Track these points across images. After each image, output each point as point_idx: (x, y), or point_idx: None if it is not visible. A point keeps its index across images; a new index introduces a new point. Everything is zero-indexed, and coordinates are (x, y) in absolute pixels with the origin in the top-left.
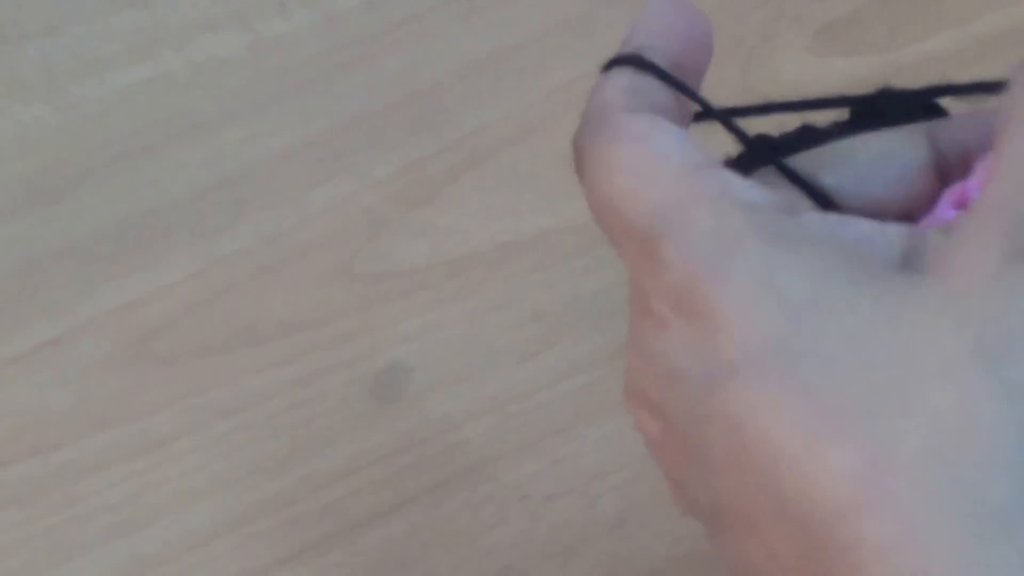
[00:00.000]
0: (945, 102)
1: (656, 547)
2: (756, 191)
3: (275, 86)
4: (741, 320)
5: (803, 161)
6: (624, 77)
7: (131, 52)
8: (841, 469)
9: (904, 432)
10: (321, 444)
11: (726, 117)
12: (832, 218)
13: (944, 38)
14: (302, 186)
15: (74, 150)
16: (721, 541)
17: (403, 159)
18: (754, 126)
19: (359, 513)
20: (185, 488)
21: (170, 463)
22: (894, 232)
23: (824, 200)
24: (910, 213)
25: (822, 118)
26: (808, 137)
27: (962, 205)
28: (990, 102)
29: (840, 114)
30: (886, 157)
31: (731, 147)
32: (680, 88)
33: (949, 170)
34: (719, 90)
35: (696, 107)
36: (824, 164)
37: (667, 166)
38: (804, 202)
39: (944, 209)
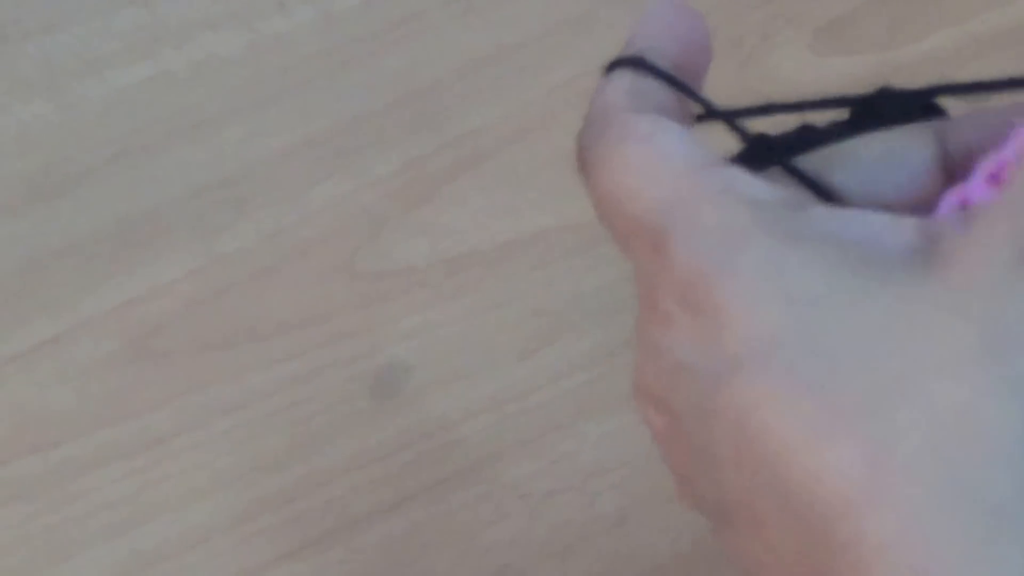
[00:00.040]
0: (945, 101)
1: (656, 545)
2: (763, 187)
3: (275, 85)
4: (747, 315)
5: (809, 161)
6: (626, 78)
7: (131, 51)
8: (843, 465)
9: (906, 429)
10: (321, 442)
11: (729, 117)
12: (840, 213)
13: (943, 37)
14: (302, 184)
15: (74, 148)
16: (725, 536)
17: (403, 158)
18: (753, 126)
19: (359, 511)
20: (185, 485)
21: (170, 460)
22: (907, 224)
23: (831, 199)
24: (916, 211)
25: (821, 118)
26: (808, 137)
27: (964, 207)
28: (991, 101)
29: (840, 114)
30: (892, 156)
31: (733, 148)
32: (682, 89)
33: (956, 169)
34: (718, 89)
35: (697, 108)
36: (830, 164)
37: (673, 164)
38: (811, 199)
39: (945, 210)
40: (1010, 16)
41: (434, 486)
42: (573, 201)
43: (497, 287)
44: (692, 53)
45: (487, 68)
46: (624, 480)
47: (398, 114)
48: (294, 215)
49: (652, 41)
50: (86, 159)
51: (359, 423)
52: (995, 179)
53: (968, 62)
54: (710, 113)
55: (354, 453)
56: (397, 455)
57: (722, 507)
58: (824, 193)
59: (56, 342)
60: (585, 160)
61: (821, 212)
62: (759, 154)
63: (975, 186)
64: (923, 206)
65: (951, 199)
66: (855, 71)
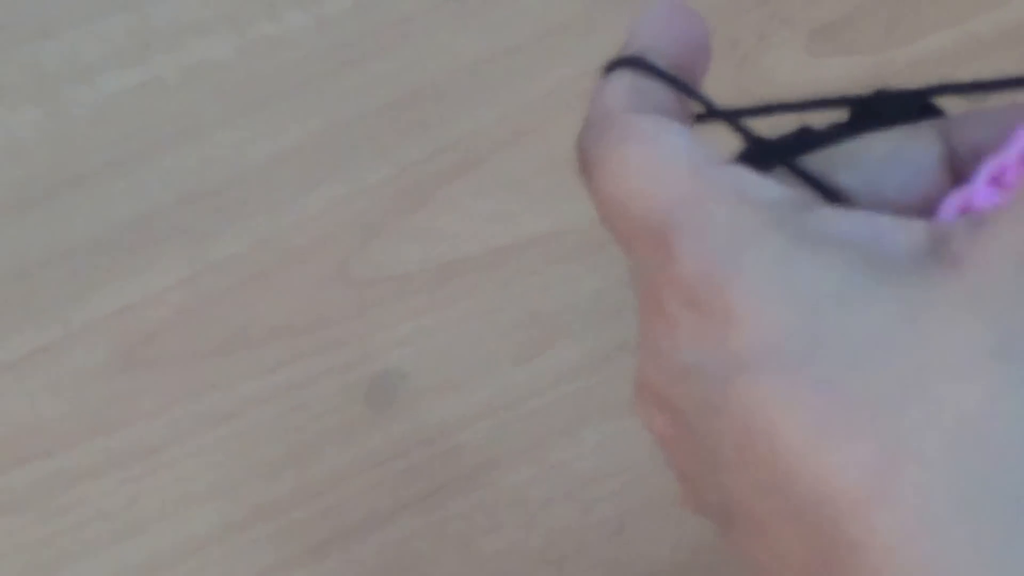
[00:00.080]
0: (946, 101)
1: (654, 552)
2: (770, 187)
3: (266, 89)
4: (755, 314)
5: (813, 161)
6: (626, 79)
7: (122, 56)
8: (854, 465)
9: (919, 428)
10: (316, 450)
11: (730, 117)
12: (848, 213)
13: (939, 38)
14: (295, 190)
15: (65, 155)
16: (731, 538)
17: (396, 163)
18: (753, 126)
19: (354, 519)
20: (179, 495)
21: (164, 470)
22: (916, 227)
23: (837, 199)
24: (922, 212)
25: (821, 120)
26: (808, 139)
27: (967, 210)
28: (992, 100)
29: (839, 115)
30: (898, 156)
31: (733, 148)
32: (683, 88)
33: (961, 167)
34: (714, 90)
35: (697, 108)
36: (834, 163)
37: (677, 164)
38: (817, 200)
39: (947, 214)
40: (1007, 17)
41: (430, 494)
42: (569, 206)
43: (492, 293)
44: (691, 53)
45: (481, 72)
46: (622, 487)
47: (391, 119)
48: (287, 221)
49: (651, 41)
50: (76, 166)
51: (354, 431)
52: (998, 181)
53: (965, 63)
54: (710, 113)
55: (349, 461)
56: (392, 463)
57: (727, 508)
58: (829, 193)
59: (47, 351)
60: (586, 161)
61: (829, 212)
62: (761, 154)
63: (978, 189)
64: (928, 205)
65: (953, 202)
66: (851, 72)
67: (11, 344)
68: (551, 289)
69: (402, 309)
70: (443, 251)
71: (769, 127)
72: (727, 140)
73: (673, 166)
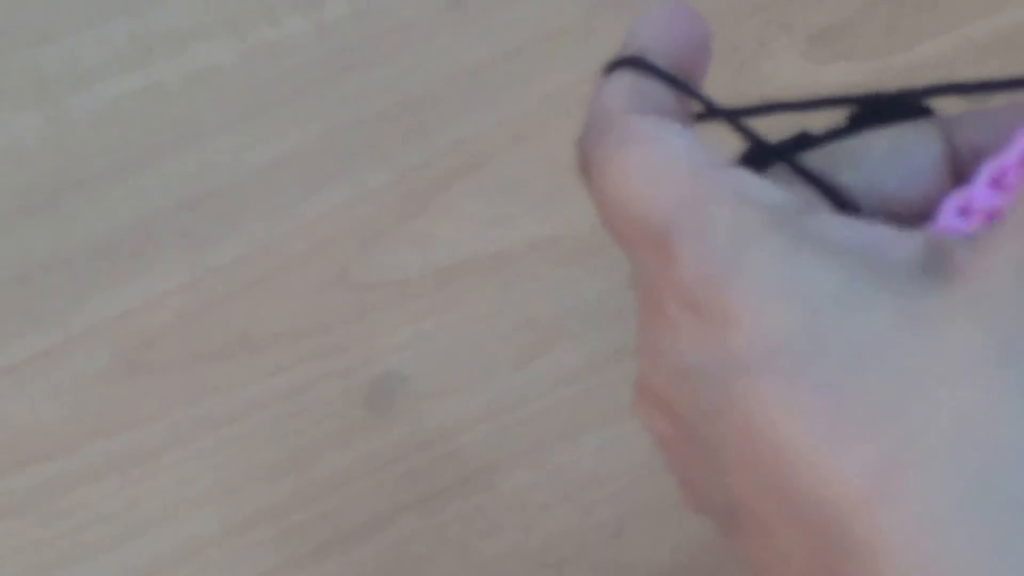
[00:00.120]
0: (947, 102)
1: (653, 556)
2: (771, 190)
3: (267, 95)
4: (756, 317)
5: (815, 159)
6: (626, 79)
7: (123, 61)
8: (857, 466)
9: (922, 430)
10: (315, 453)
11: (730, 116)
12: (849, 221)
13: (938, 43)
14: (295, 195)
15: (66, 160)
16: (733, 539)
17: (396, 167)
18: (753, 126)
19: (354, 523)
20: (179, 498)
21: (164, 473)
22: (913, 239)
23: (839, 198)
24: (924, 210)
25: (820, 120)
26: (807, 142)
27: (966, 211)
28: (992, 101)
29: (838, 118)
30: (899, 154)
31: (733, 148)
32: (683, 88)
33: (963, 166)
34: (713, 95)
35: (698, 107)
36: (837, 162)
37: (678, 166)
38: (819, 201)
39: (947, 215)
40: (1005, 22)
41: (429, 497)
42: (568, 210)
43: (492, 297)
44: (692, 53)
45: (480, 77)
46: (621, 490)
47: (391, 123)
48: (287, 226)
49: (651, 41)
50: (77, 171)
51: (354, 434)
52: (998, 183)
53: (963, 68)
54: (711, 112)
55: (349, 465)
56: (392, 466)
57: (729, 510)
58: (830, 191)
59: (48, 355)
60: (587, 163)
61: (829, 218)
62: (762, 154)
63: (978, 190)
64: (928, 204)
65: (953, 202)
66: (850, 78)
67: (12, 348)
68: (551, 293)
69: (402, 313)
70: (443, 255)
71: (769, 128)
72: (727, 140)
73: (673, 168)
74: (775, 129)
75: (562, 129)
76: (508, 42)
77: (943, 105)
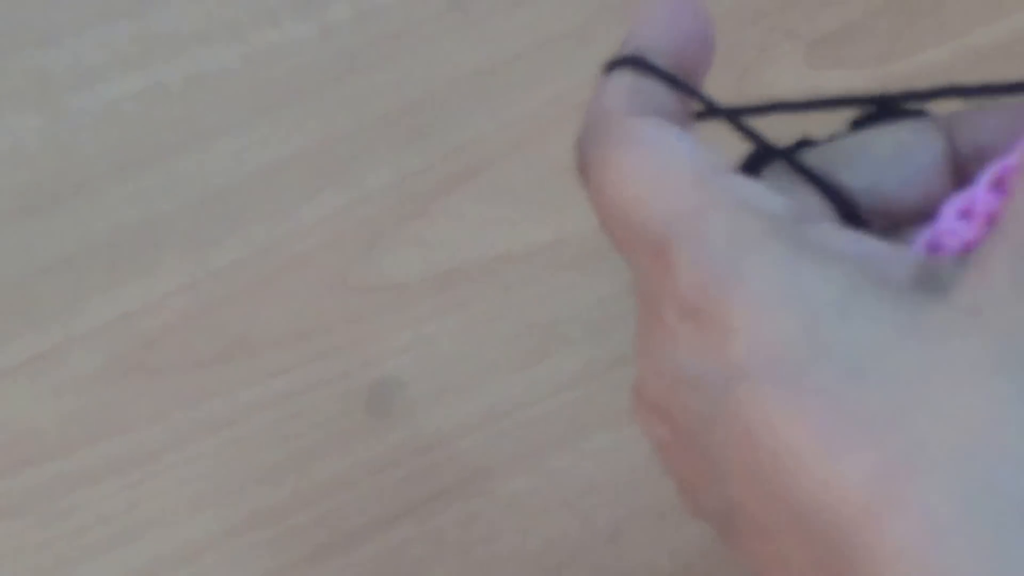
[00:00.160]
0: (949, 105)
1: (651, 560)
2: (772, 198)
3: (268, 97)
4: (756, 324)
5: (817, 158)
6: (626, 79)
7: (124, 63)
8: (859, 473)
9: (924, 436)
10: (314, 457)
11: (731, 116)
12: (847, 233)
13: (939, 51)
14: (296, 198)
15: (67, 161)
16: (733, 544)
17: (396, 171)
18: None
19: (352, 526)
20: (178, 500)
21: (163, 475)
22: (908, 257)
23: (839, 197)
24: (924, 210)
25: (819, 122)
26: (808, 147)
27: (968, 213)
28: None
29: (838, 121)
30: (902, 154)
31: (732, 147)
32: (683, 88)
33: (965, 166)
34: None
35: (698, 106)
36: (839, 162)
37: (678, 172)
38: (817, 206)
39: (948, 217)
40: (1006, 30)
41: (427, 501)
42: (569, 215)
43: (491, 301)
44: (693, 49)
45: (481, 81)
46: (619, 495)
47: (392, 127)
48: (288, 229)
49: (652, 39)
50: (78, 172)
51: (352, 438)
52: (999, 186)
53: (964, 76)
54: (711, 111)
55: (347, 468)
56: (390, 470)
57: (729, 516)
58: (830, 191)
59: (48, 356)
60: (585, 164)
61: (829, 228)
62: (764, 153)
63: (979, 192)
64: (929, 205)
65: (954, 204)
66: (851, 85)
67: (12, 349)
68: (551, 298)
69: (402, 317)
70: (443, 259)
71: (770, 129)
72: (728, 139)
73: (673, 174)
74: (775, 130)
75: (563, 134)
76: (509, 47)
77: (944, 108)
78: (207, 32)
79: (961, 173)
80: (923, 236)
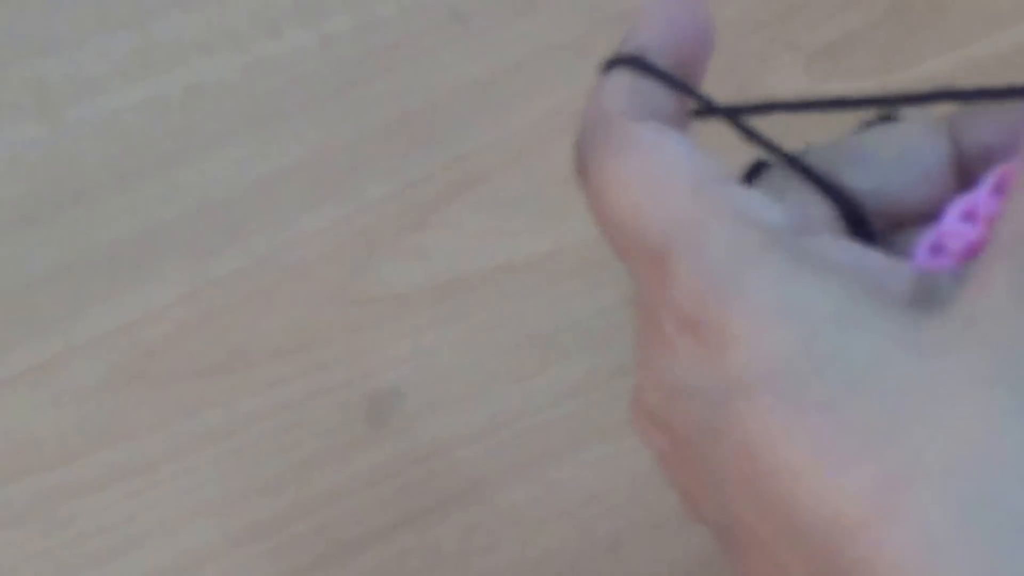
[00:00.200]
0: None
1: (650, 571)
2: (771, 208)
3: (268, 108)
4: (755, 337)
5: (820, 160)
6: (624, 78)
7: (125, 74)
8: (857, 486)
9: (922, 450)
10: (313, 467)
11: (729, 114)
12: (847, 244)
13: (938, 62)
14: (296, 208)
15: (67, 171)
16: (732, 554)
17: (397, 181)
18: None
19: (351, 536)
20: (178, 510)
21: (162, 485)
22: (906, 270)
23: (841, 198)
24: (928, 211)
25: (819, 121)
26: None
27: (970, 216)
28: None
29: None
30: (907, 156)
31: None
32: (683, 89)
33: (970, 167)
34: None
35: (696, 104)
36: (841, 164)
37: (677, 180)
38: (819, 210)
39: (951, 219)
40: (1006, 42)
41: (426, 512)
42: (568, 225)
43: (491, 312)
44: (693, 46)
45: (481, 91)
46: (618, 506)
47: (392, 137)
48: (287, 239)
49: (651, 37)
50: (78, 182)
51: (351, 449)
52: (1001, 189)
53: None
54: (710, 111)
55: (346, 479)
56: (389, 481)
57: (727, 526)
58: (833, 192)
59: (47, 366)
60: (584, 167)
61: (828, 240)
62: (768, 158)
63: (982, 196)
64: (932, 207)
65: (958, 206)
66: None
67: (11, 359)
68: (551, 308)
69: (401, 327)
70: (443, 270)
71: (770, 132)
72: (728, 139)
73: (672, 182)
74: (775, 133)
75: (563, 144)
76: (509, 57)
77: (944, 112)
78: (207, 42)
79: (966, 174)
80: (927, 237)
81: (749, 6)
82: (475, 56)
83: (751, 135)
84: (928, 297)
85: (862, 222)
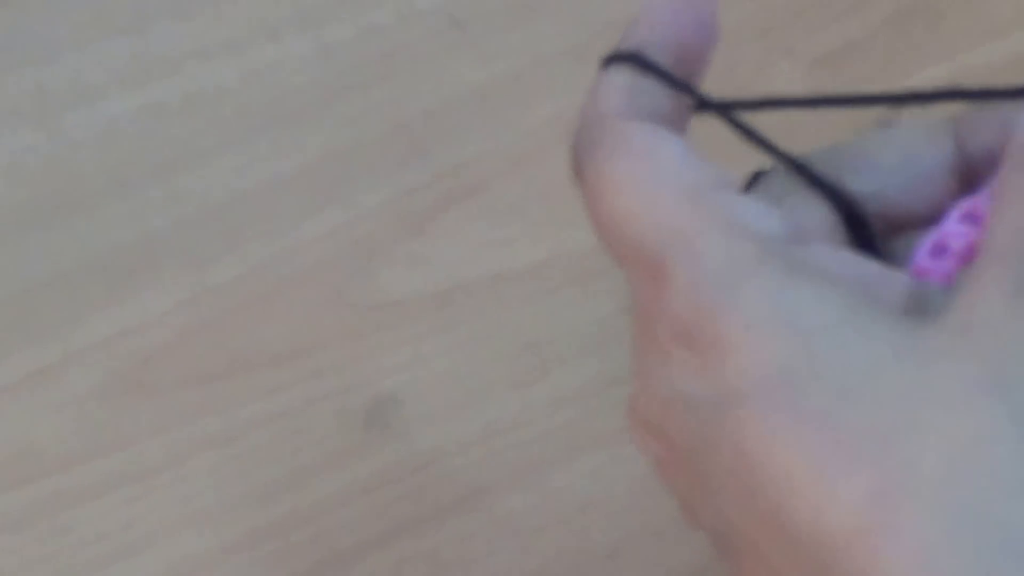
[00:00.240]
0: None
1: None
2: (767, 217)
3: (267, 115)
4: (750, 347)
5: (823, 164)
6: (623, 77)
7: (124, 80)
8: (852, 496)
9: (917, 460)
10: (311, 474)
11: (730, 112)
12: (842, 253)
13: (937, 70)
14: (294, 215)
15: (66, 178)
16: (729, 562)
17: (395, 189)
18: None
19: (348, 544)
20: (176, 517)
21: (160, 492)
22: (901, 279)
23: (842, 201)
24: (929, 214)
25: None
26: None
27: (971, 219)
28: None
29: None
30: (910, 160)
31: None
32: (682, 88)
33: (974, 168)
34: (714, 119)
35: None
36: (845, 167)
37: (673, 186)
38: (818, 215)
39: (952, 223)
40: (1004, 50)
41: (424, 519)
42: (567, 233)
43: (489, 320)
44: (696, 40)
45: (479, 99)
46: (616, 514)
47: (390, 145)
48: (286, 246)
49: (652, 33)
50: (76, 189)
51: (349, 456)
52: None
53: None
54: (710, 106)
55: (344, 486)
56: (387, 488)
57: (724, 534)
58: (833, 194)
59: (45, 373)
60: (580, 168)
61: (822, 249)
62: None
63: (983, 200)
64: (934, 210)
65: (957, 211)
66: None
67: (10, 365)
68: (548, 317)
69: (399, 335)
70: (441, 277)
71: (770, 133)
72: (728, 138)
73: (668, 188)
74: (775, 134)
75: (561, 153)
76: (508, 65)
77: (944, 112)
78: (206, 50)
79: (970, 177)
80: (929, 238)
81: (748, 14)
82: (474, 64)
83: (751, 135)
84: (921, 308)
85: (863, 225)
